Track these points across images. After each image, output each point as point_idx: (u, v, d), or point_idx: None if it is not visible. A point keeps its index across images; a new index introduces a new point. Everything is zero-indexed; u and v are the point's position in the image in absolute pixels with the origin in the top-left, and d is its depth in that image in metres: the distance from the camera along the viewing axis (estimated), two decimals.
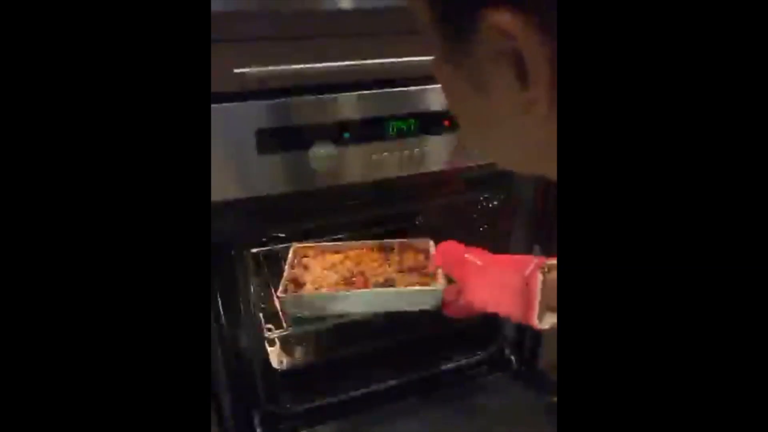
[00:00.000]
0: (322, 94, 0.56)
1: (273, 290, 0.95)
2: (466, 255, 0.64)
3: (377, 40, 0.58)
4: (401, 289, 0.69)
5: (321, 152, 0.56)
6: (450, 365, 0.88)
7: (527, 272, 0.58)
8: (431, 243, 0.78)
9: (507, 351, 0.92)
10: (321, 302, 0.69)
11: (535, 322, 0.58)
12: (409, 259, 0.78)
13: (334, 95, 0.56)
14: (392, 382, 0.84)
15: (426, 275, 0.73)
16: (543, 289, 0.57)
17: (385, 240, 0.81)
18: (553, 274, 0.58)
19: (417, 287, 0.69)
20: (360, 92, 0.57)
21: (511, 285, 0.59)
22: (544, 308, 0.58)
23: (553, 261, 0.59)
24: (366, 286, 0.71)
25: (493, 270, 0.62)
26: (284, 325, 0.84)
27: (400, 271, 0.75)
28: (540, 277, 0.58)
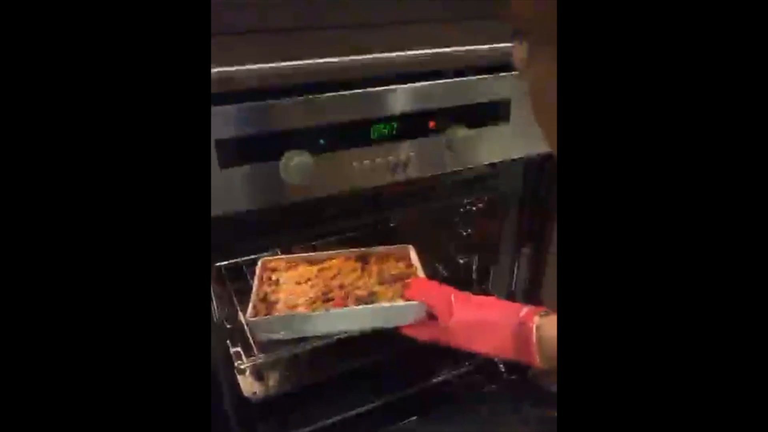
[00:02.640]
0: (292, 96, 0.48)
1: (239, 309, 0.87)
2: (452, 297, 0.60)
3: (352, 32, 0.52)
4: (387, 304, 0.63)
5: (294, 162, 0.49)
6: (437, 380, 0.83)
7: (522, 315, 0.56)
8: (411, 249, 0.72)
9: (495, 359, 0.87)
10: (295, 324, 0.62)
11: (537, 359, 0.55)
12: (390, 268, 0.71)
13: (306, 97, 0.49)
14: (377, 403, 0.78)
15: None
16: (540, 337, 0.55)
17: (364, 248, 0.74)
18: (549, 326, 0.55)
19: (405, 302, 0.63)
20: (336, 93, 0.50)
21: (505, 329, 0.56)
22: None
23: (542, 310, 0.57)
24: (346, 302, 0.64)
25: (481, 313, 0.58)
26: (254, 350, 0.76)
27: (382, 283, 0.68)
28: (536, 319, 0.55)
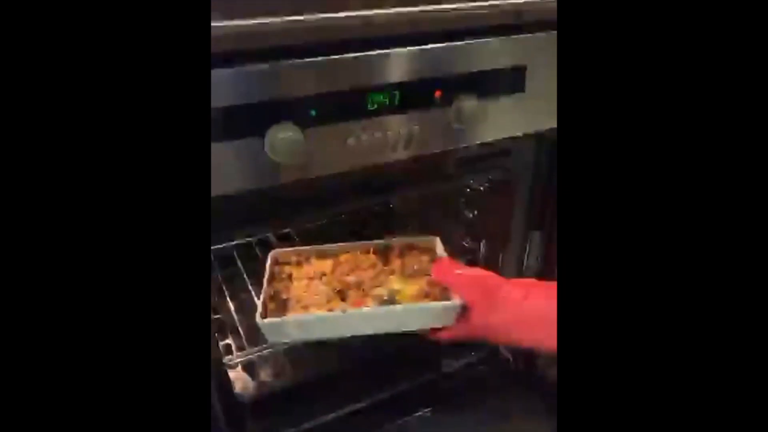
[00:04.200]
0: (276, 60, 0.42)
1: (228, 297, 0.81)
2: (495, 286, 0.52)
3: None
4: (411, 306, 0.56)
5: (280, 137, 0.42)
6: (443, 372, 0.78)
7: None
8: (438, 241, 0.65)
9: (503, 349, 0.82)
10: (310, 327, 0.55)
11: None
12: (413, 262, 0.64)
13: (293, 61, 0.42)
14: (381, 397, 0.73)
15: (434, 283, 0.60)
16: None
17: (383, 240, 0.66)
18: None
19: (430, 303, 0.56)
20: (327, 57, 0.43)
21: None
22: None
23: None
24: (363, 301, 0.57)
25: (530, 302, 0.50)
26: (245, 343, 0.71)
27: (403, 279, 0.61)
28: None
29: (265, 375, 0.75)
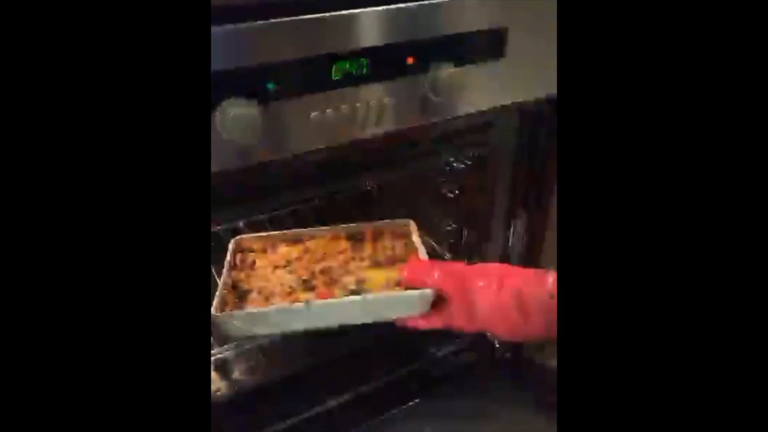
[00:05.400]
0: (225, 23, 0.36)
1: None
2: (465, 274, 0.50)
3: None
4: (379, 295, 0.52)
5: (232, 114, 0.37)
6: (429, 358, 0.75)
7: (549, 284, 0.45)
8: (412, 224, 0.61)
9: (488, 335, 0.79)
10: (272, 320, 0.51)
11: None
12: (386, 248, 0.60)
13: (246, 25, 0.37)
14: (361, 390, 0.70)
15: None
16: None
17: (355, 224, 0.62)
18: None
19: (399, 292, 0.52)
20: (285, 19, 0.38)
21: (535, 303, 0.45)
22: None
23: None
24: (332, 291, 0.53)
25: (503, 289, 0.48)
26: (213, 341, 0.66)
27: (375, 266, 0.57)
28: None
29: (240, 373, 0.70)
